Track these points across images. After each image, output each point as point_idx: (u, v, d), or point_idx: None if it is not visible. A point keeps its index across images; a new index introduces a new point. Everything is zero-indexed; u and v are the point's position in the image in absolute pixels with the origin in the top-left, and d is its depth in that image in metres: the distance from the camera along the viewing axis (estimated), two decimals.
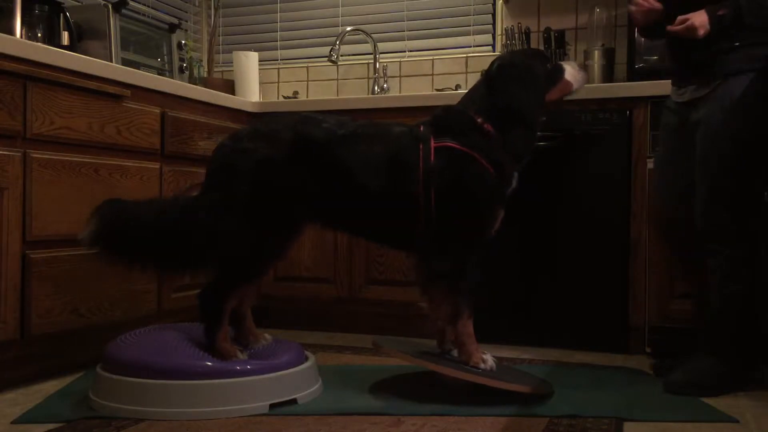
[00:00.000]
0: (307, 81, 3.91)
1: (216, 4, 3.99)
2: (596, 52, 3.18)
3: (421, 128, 2.01)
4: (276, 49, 3.99)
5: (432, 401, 1.96)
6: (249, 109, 3.23)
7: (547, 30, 3.28)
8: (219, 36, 4.05)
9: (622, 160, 2.70)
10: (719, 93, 2.13)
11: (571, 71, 2.10)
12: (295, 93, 3.88)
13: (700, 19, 2.02)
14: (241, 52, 3.63)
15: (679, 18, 2.07)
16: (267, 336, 2.17)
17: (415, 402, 1.97)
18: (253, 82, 3.59)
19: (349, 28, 3.69)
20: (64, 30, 2.79)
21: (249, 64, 3.60)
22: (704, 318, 2.23)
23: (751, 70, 2.11)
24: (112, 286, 2.40)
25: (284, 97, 3.87)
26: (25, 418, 1.84)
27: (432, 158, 1.95)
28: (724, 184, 2.14)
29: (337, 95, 3.83)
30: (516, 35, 3.38)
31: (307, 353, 2.15)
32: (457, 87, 3.55)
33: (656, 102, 2.58)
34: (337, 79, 3.86)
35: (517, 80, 2.01)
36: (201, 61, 3.89)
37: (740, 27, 2.05)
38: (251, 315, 2.15)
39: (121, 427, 1.76)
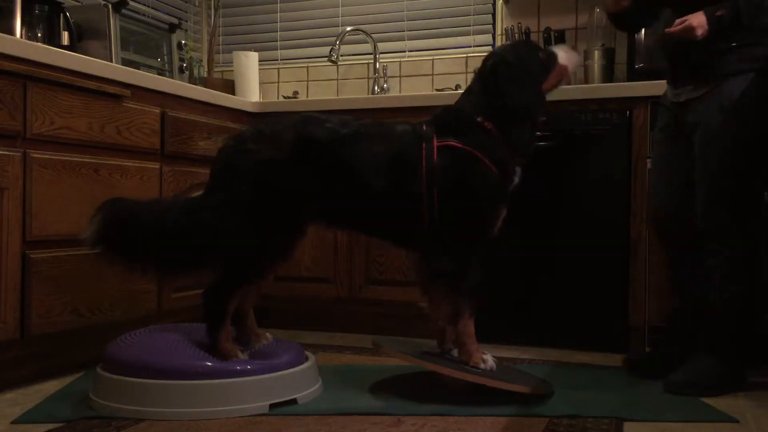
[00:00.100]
0: (307, 81, 3.91)
1: (216, 4, 3.99)
2: (596, 52, 3.18)
3: (424, 127, 2.01)
4: (276, 49, 3.99)
5: (432, 401, 1.96)
6: (249, 109, 3.23)
7: (547, 30, 3.28)
8: (219, 36, 4.05)
9: (622, 160, 2.70)
10: (717, 93, 2.13)
11: (563, 55, 2.10)
12: (295, 93, 3.88)
13: (698, 19, 2.02)
14: (241, 52, 3.63)
15: (677, 20, 2.06)
16: (268, 335, 2.17)
17: (415, 402, 1.97)
18: (253, 82, 3.59)
19: (349, 28, 3.69)
20: (64, 30, 2.79)
21: (249, 64, 3.60)
22: (704, 318, 2.23)
23: (749, 71, 2.11)
24: (112, 286, 2.40)
25: (284, 97, 3.87)
26: (25, 418, 1.84)
27: (435, 157, 1.95)
28: (724, 184, 2.14)
29: (337, 95, 3.83)
30: (516, 35, 3.38)
31: (307, 353, 2.15)
32: (457, 87, 3.55)
33: (656, 102, 2.57)
34: (337, 79, 3.86)
35: (512, 78, 2.01)
36: (201, 61, 3.89)
37: (739, 28, 2.05)
38: (253, 314, 2.15)
39: (121, 427, 1.76)
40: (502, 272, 2.79)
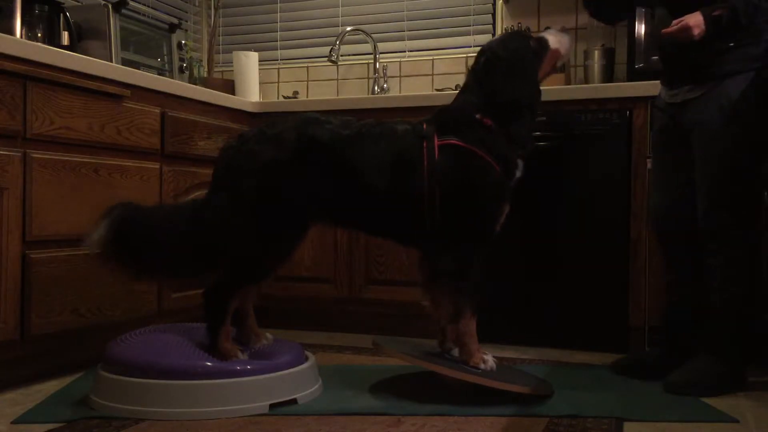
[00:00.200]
0: (307, 81, 3.91)
1: (216, 4, 3.99)
2: (596, 52, 3.18)
3: (425, 126, 2.01)
4: (276, 49, 3.99)
5: (432, 401, 1.96)
6: (249, 109, 3.23)
7: (547, 30, 3.28)
8: (219, 36, 4.05)
9: (622, 160, 2.70)
10: (716, 94, 2.13)
11: (554, 39, 2.10)
12: (295, 93, 3.88)
13: (695, 19, 2.02)
14: (241, 52, 3.63)
15: (674, 20, 2.06)
16: (269, 335, 2.17)
17: (415, 402, 1.97)
18: (253, 82, 3.59)
19: (349, 28, 3.69)
20: (64, 30, 2.78)
21: (249, 64, 3.59)
22: (705, 318, 2.23)
23: (747, 71, 2.12)
24: (112, 286, 2.40)
25: (284, 97, 3.87)
26: (25, 418, 1.84)
27: (436, 156, 1.96)
28: (724, 184, 2.14)
29: (337, 95, 3.83)
30: None
31: (307, 353, 2.15)
32: (457, 87, 3.51)
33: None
34: (337, 79, 3.86)
35: (506, 72, 2.01)
36: (201, 61, 3.88)
37: (736, 28, 2.05)
38: (254, 314, 2.15)
39: (121, 427, 1.76)
40: (502, 272, 2.78)
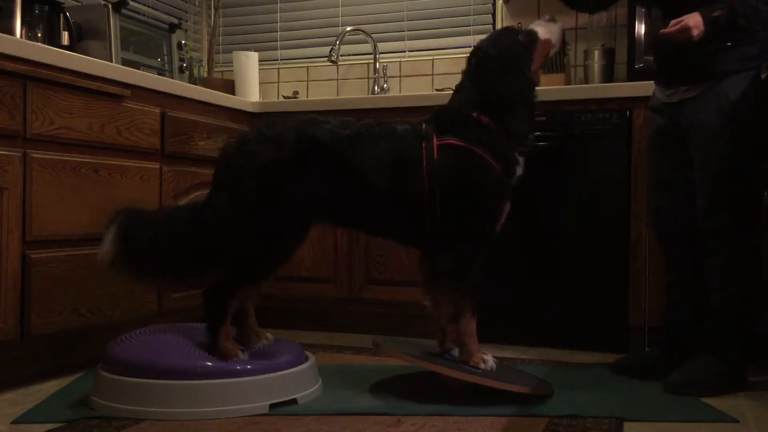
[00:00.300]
0: (307, 81, 3.91)
1: (216, 4, 3.99)
2: (596, 52, 3.18)
3: (424, 126, 2.01)
4: (276, 49, 3.99)
5: (432, 401, 1.96)
6: (249, 109, 3.23)
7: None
8: (219, 36, 4.05)
9: (622, 160, 2.70)
10: (714, 93, 2.13)
11: (543, 30, 2.10)
12: (295, 93, 3.88)
13: (694, 20, 2.02)
14: (241, 52, 3.63)
15: (673, 21, 2.07)
16: (268, 335, 2.17)
17: (415, 402, 1.97)
18: (253, 82, 3.59)
19: (349, 28, 3.69)
20: (64, 30, 2.78)
21: (249, 64, 3.59)
22: (705, 318, 2.23)
23: (745, 70, 2.12)
24: (112, 286, 2.39)
25: (284, 97, 3.87)
26: (25, 418, 1.84)
27: (435, 156, 1.96)
28: (723, 184, 2.14)
29: (337, 95, 3.83)
30: None
31: (307, 353, 2.16)
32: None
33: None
34: (337, 79, 3.86)
35: (498, 70, 2.02)
36: (201, 61, 3.88)
37: (734, 28, 2.05)
38: (254, 314, 2.15)
39: (121, 427, 1.76)
40: (502, 272, 2.78)
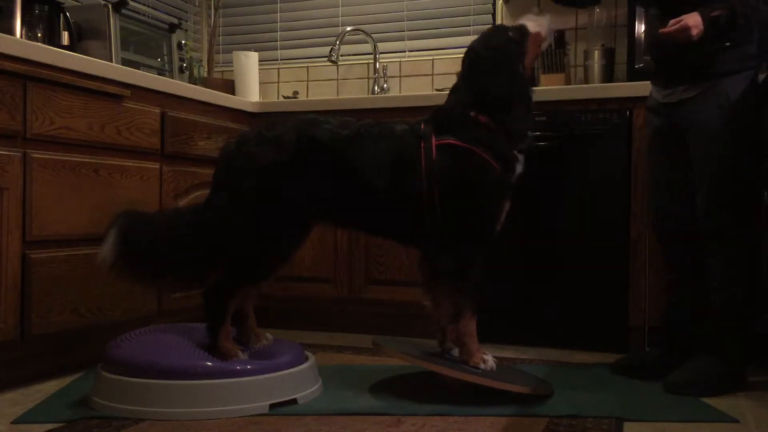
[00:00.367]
0: (307, 81, 3.91)
1: (216, 4, 3.99)
2: (596, 52, 3.18)
3: (422, 126, 2.01)
4: (276, 49, 3.99)
5: (432, 401, 1.96)
6: (249, 109, 3.23)
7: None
8: (219, 36, 4.05)
9: (622, 160, 2.70)
10: (713, 93, 2.13)
11: (532, 24, 2.10)
12: (295, 93, 3.88)
13: (693, 19, 2.02)
14: (241, 52, 3.63)
15: (672, 20, 2.07)
16: (269, 336, 2.17)
17: (415, 402, 1.97)
18: (253, 82, 3.59)
19: (349, 28, 3.69)
20: (64, 30, 2.78)
21: (249, 64, 3.59)
22: (705, 318, 2.23)
23: (744, 70, 2.12)
24: (112, 286, 2.39)
25: (284, 97, 3.87)
26: (25, 418, 1.84)
27: (434, 156, 1.96)
28: (724, 184, 2.14)
29: (337, 95, 3.83)
30: None
31: (307, 353, 2.16)
32: None
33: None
34: (337, 79, 3.86)
35: (490, 70, 2.02)
36: (201, 61, 3.88)
37: (734, 28, 2.05)
38: (254, 314, 2.15)
39: (121, 427, 1.76)
40: (502, 272, 2.78)
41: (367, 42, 3.72)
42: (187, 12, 4.00)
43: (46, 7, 2.75)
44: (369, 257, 3.03)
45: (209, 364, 1.88)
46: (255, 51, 3.72)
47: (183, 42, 3.39)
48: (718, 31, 2.05)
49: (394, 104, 3.03)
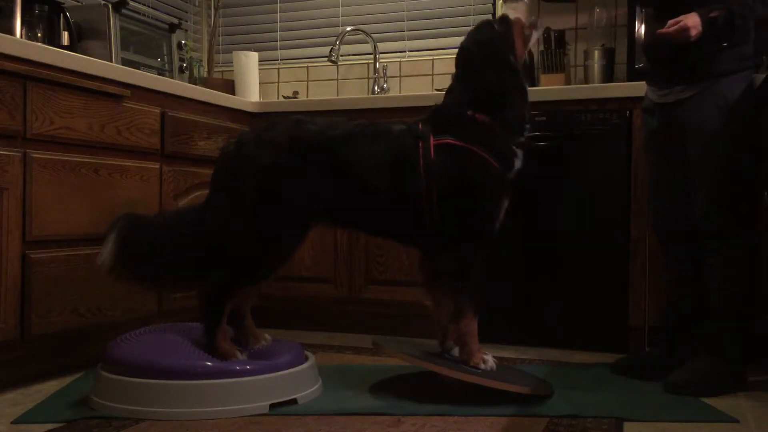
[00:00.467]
0: (307, 81, 3.91)
1: (216, 4, 3.99)
2: (596, 52, 3.18)
3: (420, 126, 2.01)
4: (276, 49, 3.99)
5: (432, 401, 1.96)
6: (249, 109, 3.23)
7: (547, 30, 3.28)
8: (219, 36, 4.05)
9: (622, 160, 2.70)
10: (710, 93, 2.13)
11: (512, 12, 2.08)
12: (295, 93, 3.88)
13: (692, 20, 2.03)
14: (241, 52, 3.63)
15: (671, 21, 2.07)
16: (267, 336, 2.17)
17: (415, 402, 1.97)
18: (253, 82, 3.59)
19: (349, 28, 3.69)
20: (64, 30, 2.78)
21: (249, 64, 3.59)
22: (705, 318, 2.23)
23: (742, 70, 2.12)
24: (112, 286, 2.38)
25: (284, 97, 3.87)
26: (25, 418, 1.84)
27: (432, 155, 1.96)
28: (723, 184, 2.14)
29: (337, 95, 3.83)
30: None
31: (307, 353, 2.16)
32: None
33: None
34: (337, 79, 3.86)
35: (481, 65, 2.02)
36: (201, 61, 3.88)
37: (731, 29, 2.06)
38: (251, 315, 2.15)
39: (121, 427, 1.76)
40: (502, 272, 2.78)
41: (367, 42, 3.72)
42: (187, 12, 4.00)
43: (46, 7, 2.75)
44: (369, 257, 3.03)
45: (209, 364, 1.88)
46: (255, 51, 3.72)
47: (183, 42, 3.39)
48: (716, 32, 2.05)
49: (394, 104, 3.03)
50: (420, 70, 3.70)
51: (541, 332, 2.79)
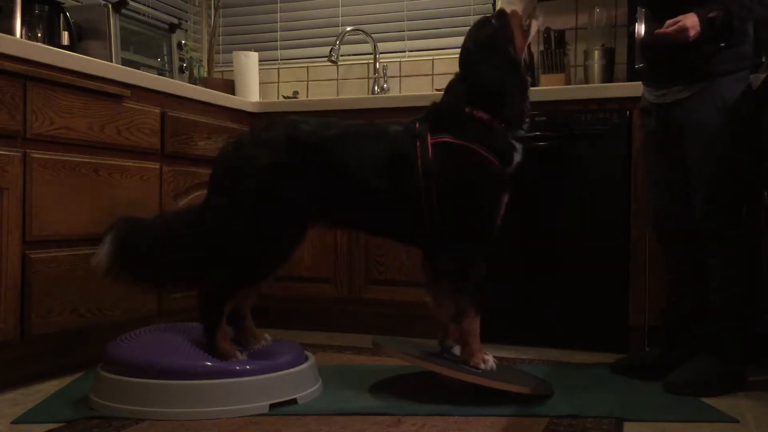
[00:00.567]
0: (307, 81, 3.91)
1: (216, 4, 3.99)
2: (596, 52, 3.18)
3: (417, 125, 2.01)
4: (276, 49, 3.99)
5: (432, 401, 1.96)
6: (249, 109, 3.23)
7: (547, 30, 3.28)
8: (219, 36, 4.05)
9: (622, 160, 2.70)
10: (709, 93, 2.13)
11: (508, 5, 2.07)
12: (295, 93, 3.88)
13: (691, 20, 2.03)
14: (241, 52, 3.63)
15: (669, 21, 2.07)
16: (267, 336, 2.17)
17: (415, 402, 1.97)
18: (253, 82, 3.59)
19: (349, 28, 3.69)
20: (64, 30, 2.78)
21: (249, 64, 3.59)
22: (705, 318, 2.23)
23: (740, 70, 2.12)
24: (112, 286, 2.38)
25: (284, 97, 3.87)
26: (25, 418, 1.84)
27: (430, 154, 1.96)
28: (723, 184, 2.14)
29: (337, 95, 3.83)
30: None
31: (307, 353, 2.16)
32: None
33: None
34: (337, 79, 3.86)
35: (480, 61, 2.02)
36: (201, 61, 3.88)
37: (729, 29, 2.06)
38: (251, 315, 2.15)
39: (121, 427, 1.77)
40: (502, 272, 2.78)
41: (367, 42, 3.72)
42: (187, 12, 4.00)
43: (46, 7, 2.75)
44: (369, 257, 3.03)
45: (209, 364, 1.88)
46: (255, 51, 3.72)
47: (183, 42, 3.39)
48: (715, 32, 2.05)
49: (394, 104, 3.03)
50: (420, 70, 3.70)
51: (541, 332, 2.79)
